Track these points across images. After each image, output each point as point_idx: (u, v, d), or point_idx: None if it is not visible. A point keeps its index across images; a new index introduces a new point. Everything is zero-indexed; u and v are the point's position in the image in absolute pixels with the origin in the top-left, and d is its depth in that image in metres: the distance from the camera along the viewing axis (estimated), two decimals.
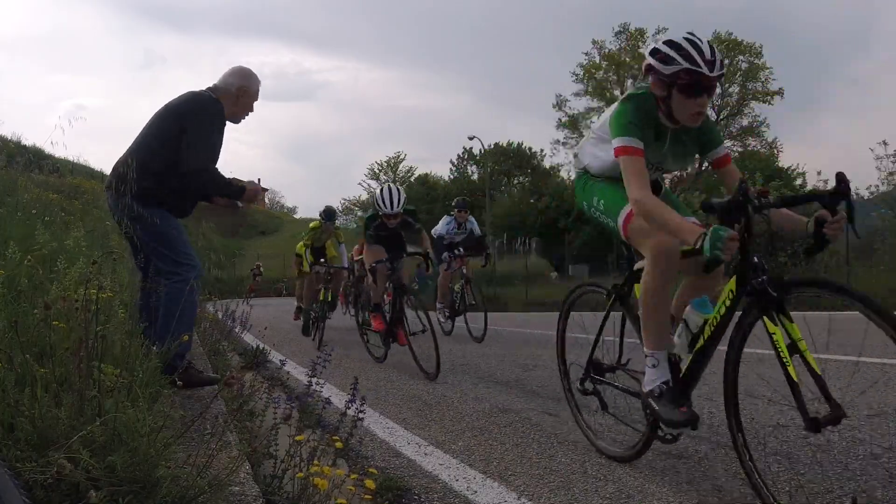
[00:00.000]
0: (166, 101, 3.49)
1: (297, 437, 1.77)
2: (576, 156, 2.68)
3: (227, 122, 3.48)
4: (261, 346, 5.44)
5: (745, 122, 35.50)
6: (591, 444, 2.59)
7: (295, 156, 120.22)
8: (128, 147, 3.42)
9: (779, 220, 2.08)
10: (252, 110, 3.57)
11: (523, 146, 55.93)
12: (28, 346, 1.97)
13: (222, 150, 3.48)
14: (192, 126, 3.26)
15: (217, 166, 3.41)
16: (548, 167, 50.22)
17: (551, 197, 40.78)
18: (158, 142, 3.30)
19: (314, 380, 2.18)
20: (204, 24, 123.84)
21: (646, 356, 2.25)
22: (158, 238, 3.34)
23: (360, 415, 1.93)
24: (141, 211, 3.27)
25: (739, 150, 35.26)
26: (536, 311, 15.05)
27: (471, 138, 33.21)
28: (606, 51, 36.56)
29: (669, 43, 2.10)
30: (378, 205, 5.31)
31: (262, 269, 33.31)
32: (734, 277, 1.99)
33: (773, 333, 1.79)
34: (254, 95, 3.53)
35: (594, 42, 37.27)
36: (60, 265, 3.26)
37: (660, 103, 2.20)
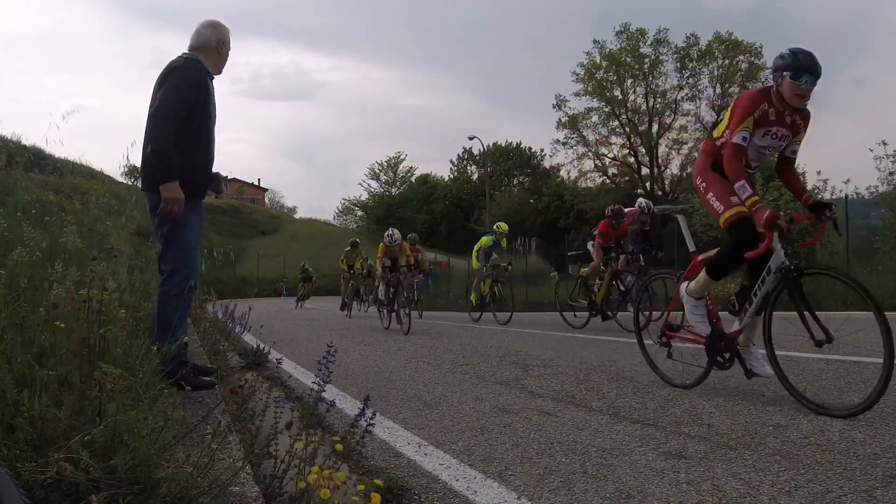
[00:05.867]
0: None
1: (299, 444, 1.77)
2: None
3: (214, 76, 3.51)
4: (261, 345, 5.44)
5: None
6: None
7: (295, 156, 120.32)
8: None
9: None
10: (228, 55, 3.61)
11: (523, 146, 55.97)
12: (28, 347, 1.97)
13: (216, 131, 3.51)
14: (164, 88, 3.27)
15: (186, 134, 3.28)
16: (548, 167, 50.16)
17: (551, 197, 40.79)
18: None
19: (318, 382, 2.18)
20: None
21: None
22: (162, 234, 3.30)
23: (372, 422, 1.93)
24: (155, 201, 3.26)
25: None
26: (537, 310, 15.04)
27: (471, 138, 33.18)
28: (607, 51, 36.51)
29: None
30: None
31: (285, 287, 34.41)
32: None
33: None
34: (229, 44, 3.58)
35: (595, 42, 37.23)
36: (58, 266, 3.27)
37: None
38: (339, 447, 1.78)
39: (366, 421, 1.90)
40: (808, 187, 22.97)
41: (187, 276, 3.26)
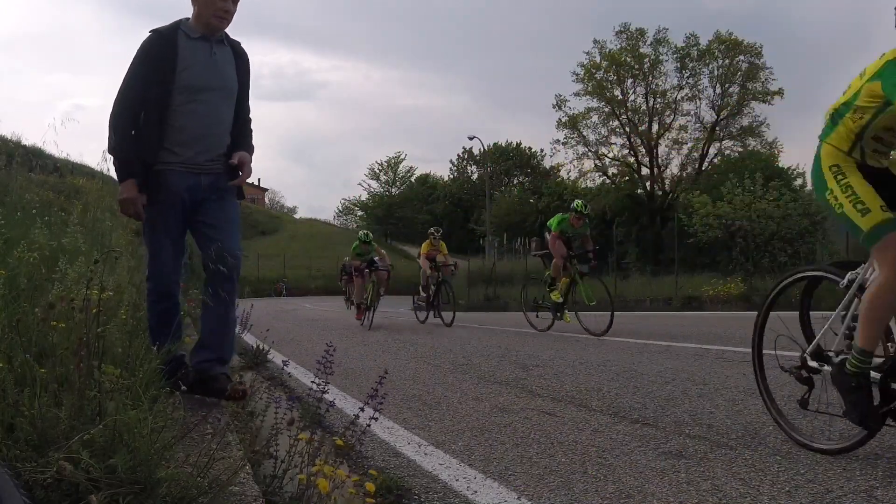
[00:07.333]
0: None
1: (301, 436, 1.77)
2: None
3: (204, 39, 2.93)
4: (261, 345, 5.45)
5: (745, 122, 35.47)
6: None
7: (295, 156, 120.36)
8: None
9: None
10: (219, 7, 2.89)
11: (523, 146, 56.02)
12: (28, 347, 1.97)
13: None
14: None
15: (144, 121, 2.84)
16: (548, 167, 50.18)
17: (551, 197, 40.79)
18: None
19: (317, 381, 2.18)
20: None
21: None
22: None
23: (375, 415, 1.93)
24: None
25: (739, 149, 35.23)
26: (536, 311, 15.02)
27: (471, 138, 33.22)
28: (607, 51, 36.50)
29: None
30: None
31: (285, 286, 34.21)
32: None
33: None
34: None
35: (595, 42, 37.22)
36: (62, 266, 3.25)
37: None
38: (339, 443, 1.78)
39: (371, 411, 1.90)
40: (808, 187, 23.04)
41: (158, 285, 2.94)
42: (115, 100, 2.87)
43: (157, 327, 2.98)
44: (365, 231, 12.21)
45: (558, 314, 8.11)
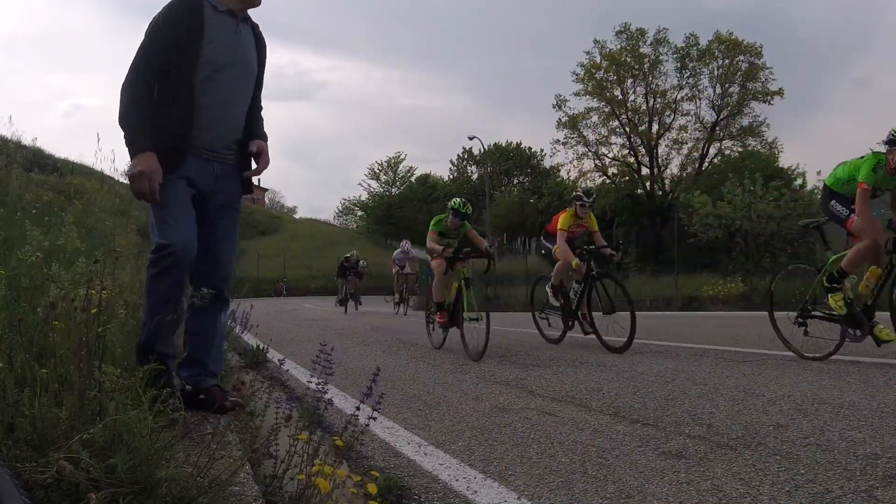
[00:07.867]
0: None
1: (301, 437, 1.77)
2: None
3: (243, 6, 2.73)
4: (261, 345, 5.44)
5: (745, 122, 35.48)
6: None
7: (295, 156, 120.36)
8: None
9: None
10: None
11: (523, 146, 56.03)
12: (28, 347, 1.97)
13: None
14: None
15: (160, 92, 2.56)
16: (548, 167, 50.18)
17: (551, 197, 40.83)
18: None
19: (316, 381, 2.18)
20: None
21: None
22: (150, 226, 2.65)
23: (374, 415, 1.92)
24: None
25: (739, 149, 35.23)
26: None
27: (471, 138, 33.15)
28: (607, 51, 36.51)
29: None
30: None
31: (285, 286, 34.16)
32: None
33: None
34: None
35: (595, 42, 37.24)
36: (56, 268, 3.24)
37: None
38: (339, 443, 1.78)
39: (369, 410, 1.90)
40: (808, 187, 23.06)
41: (163, 247, 2.48)
42: (130, 66, 2.55)
43: (154, 308, 2.47)
44: (460, 199, 6.98)
45: (854, 329, 4.48)
